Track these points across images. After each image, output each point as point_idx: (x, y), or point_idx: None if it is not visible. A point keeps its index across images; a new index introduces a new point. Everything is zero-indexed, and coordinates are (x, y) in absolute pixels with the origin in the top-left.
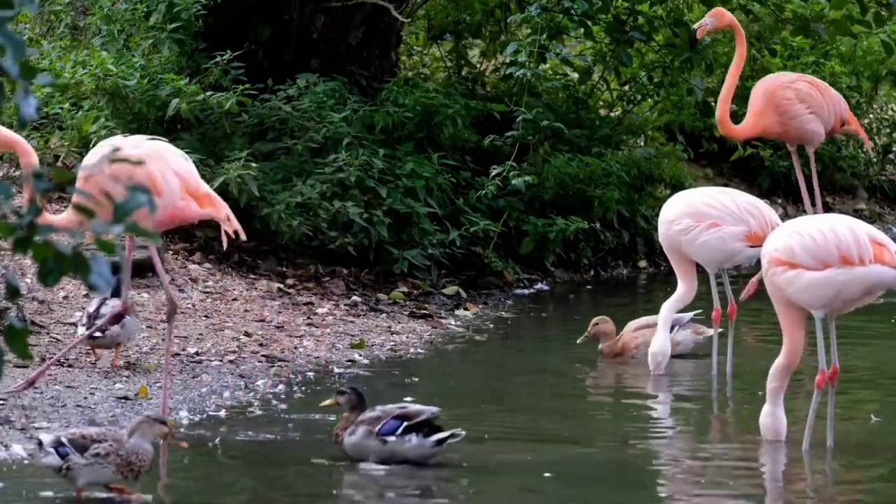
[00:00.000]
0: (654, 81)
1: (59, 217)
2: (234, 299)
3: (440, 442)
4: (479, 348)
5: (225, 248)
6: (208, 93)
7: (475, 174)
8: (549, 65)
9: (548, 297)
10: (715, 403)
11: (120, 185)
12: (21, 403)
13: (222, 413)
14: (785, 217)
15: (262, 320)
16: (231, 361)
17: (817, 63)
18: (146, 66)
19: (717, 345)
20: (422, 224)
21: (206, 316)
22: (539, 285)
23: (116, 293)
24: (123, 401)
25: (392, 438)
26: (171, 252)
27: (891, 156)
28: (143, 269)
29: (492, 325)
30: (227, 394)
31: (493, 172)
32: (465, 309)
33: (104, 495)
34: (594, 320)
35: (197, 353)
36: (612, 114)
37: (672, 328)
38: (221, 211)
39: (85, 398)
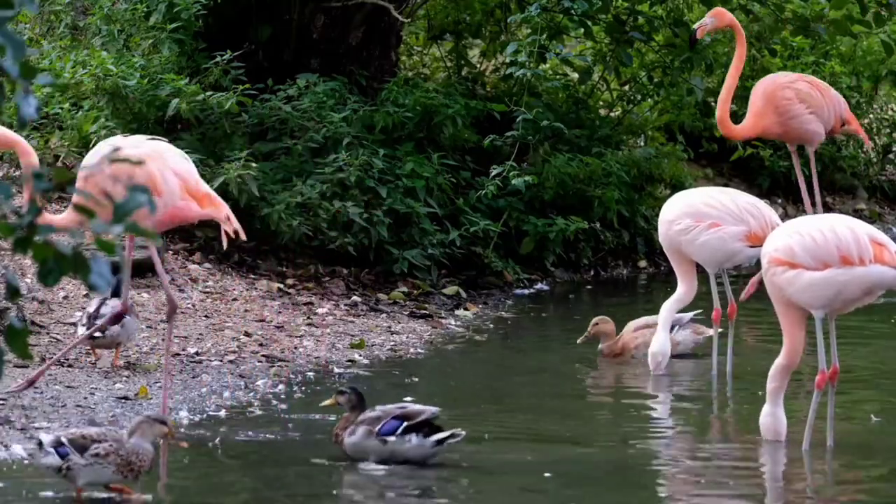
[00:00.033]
0: (654, 81)
1: (59, 217)
2: (234, 299)
3: (440, 442)
4: (479, 348)
5: (225, 248)
6: (208, 93)
7: (475, 174)
8: (549, 65)
9: (548, 297)
10: (715, 403)
11: (120, 185)
12: (21, 403)
13: (222, 413)
14: (785, 217)
15: (262, 320)
16: (231, 361)
17: (817, 63)
18: (146, 66)
19: (717, 345)
20: (422, 224)
21: (206, 316)
22: (539, 285)
23: (116, 293)
24: (123, 401)
25: (392, 438)
26: (171, 252)
27: (891, 156)
28: (143, 269)
29: (492, 325)
30: (227, 394)
31: (493, 172)
32: (465, 309)
33: (104, 495)
34: (594, 320)
35: (197, 353)
36: (612, 114)
37: (672, 328)
38: (221, 211)
39: (85, 398)
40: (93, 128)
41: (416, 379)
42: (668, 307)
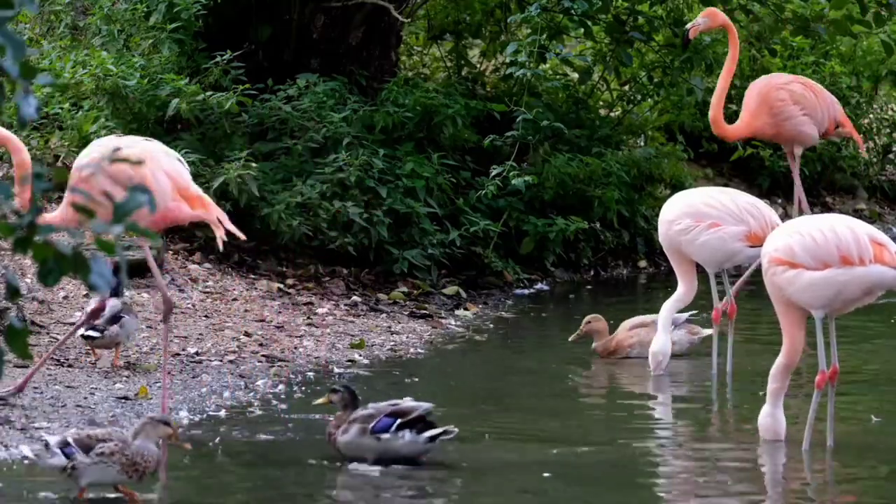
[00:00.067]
0: (654, 81)
1: (52, 215)
2: (234, 299)
3: (433, 438)
4: (479, 348)
5: (222, 249)
6: (208, 93)
7: (475, 174)
8: (549, 65)
9: (548, 297)
10: (715, 403)
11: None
12: (21, 403)
13: (222, 413)
14: (785, 217)
15: (262, 320)
16: (231, 361)
17: (817, 63)
18: (146, 66)
19: (717, 345)
20: (422, 224)
21: (206, 316)
22: (539, 285)
23: (115, 293)
24: (123, 401)
25: (386, 436)
26: (171, 252)
27: (891, 156)
28: (143, 269)
29: (492, 325)
30: (227, 394)
31: (493, 172)
32: (465, 309)
33: (105, 496)
34: (586, 318)
35: (197, 353)
36: (612, 114)
37: None
38: (212, 213)
39: (85, 398)
40: (93, 128)
41: (416, 379)
42: (669, 307)
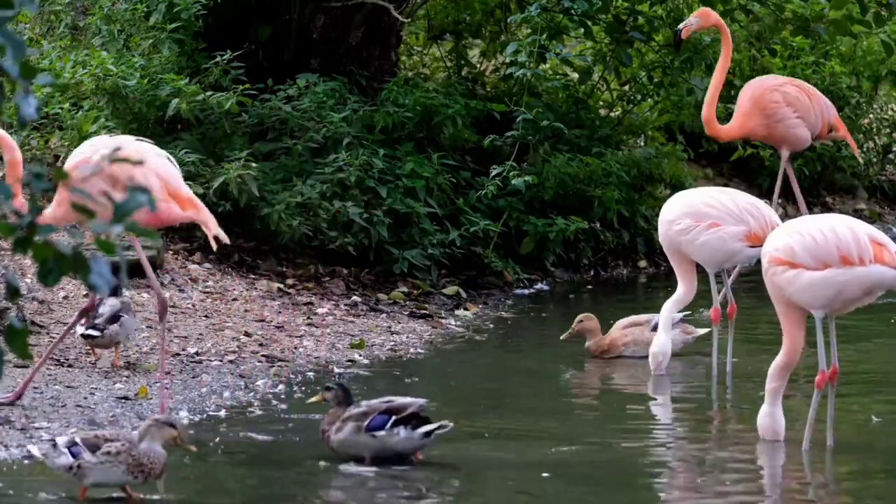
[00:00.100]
0: (654, 81)
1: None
2: (234, 299)
3: (428, 434)
4: (479, 348)
5: (214, 249)
6: (208, 93)
7: (475, 174)
8: (549, 65)
9: (548, 297)
10: (715, 403)
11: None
12: (21, 403)
13: (222, 413)
14: (785, 217)
15: (262, 320)
16: (231, 361)
17: (817, 63)
18: (146, 66)
19: (717, 345)
20: (422, 224)
21: (206, 316)
22: (539, 285)
23: (114, 293)
24: (123, 401)
25: (381, 433)
26: (171, 252)
27: (891, 156)
28: (142, 269)
29: (492, 325)
30: (227, 394)
31: (493, 172)
32: (465, 309)
33: (105, 496)
34: (578, 317)
35: (197, 353)
36: (612, 114)
37: None
38: (203, 214)
39: (85, 398)
40: (93, 128)
41: (416, 379)
42: (669, 307)
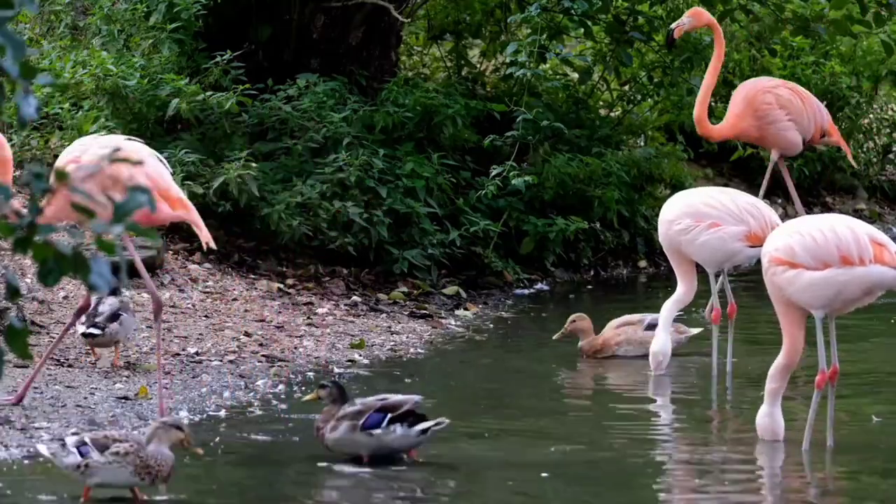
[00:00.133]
0: (654, 81)
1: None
2: (234, 299)
3: (425, 431)
4: (479, 348)
5: (205, 248)
6: (208, 93)
7: (475, 174)
8: (549, 65)
9: (548, 297)
10: (715, 403)
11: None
12: (21, 403)
13: (222, 413)
14: (785, 217)
15: (262, 320)
16: (231, 361)
17: (817, 63)
18: (146, 66)
19: (717, 345)
20: (422, 224)
21: (206, 316)
22: (539, 285)
23: (114, 291)
24: (123, 401)
25: (377, 431)
26: (171, 252)
27: (891, 156)
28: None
29: (492, 325)
30: (227, 394)
31: (493, 172)
32: (465, 309)
33: (108, 496)
34: (571, 317)
35: (197, 353)
36: (612, 114)
37: (654, 327)
38: (193, 214)
39: (85, 398)
40: (93, 128)
41: (416, 379)
42: (669, 308)
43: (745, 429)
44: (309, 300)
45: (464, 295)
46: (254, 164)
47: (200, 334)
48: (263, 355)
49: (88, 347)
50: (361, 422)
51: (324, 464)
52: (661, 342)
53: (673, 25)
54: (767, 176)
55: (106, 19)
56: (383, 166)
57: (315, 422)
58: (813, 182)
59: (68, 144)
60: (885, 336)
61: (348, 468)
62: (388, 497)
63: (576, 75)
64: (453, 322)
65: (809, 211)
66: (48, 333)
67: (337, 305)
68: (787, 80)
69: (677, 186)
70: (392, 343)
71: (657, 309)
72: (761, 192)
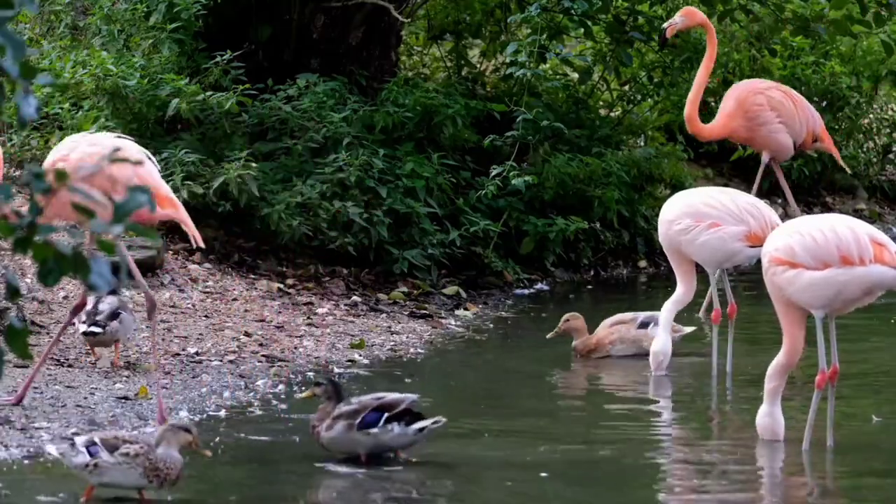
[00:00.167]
0: (654, 81)
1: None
2: (234, 299)
3: (422, 430)
4: (479, 348)
5: (194, 245)
6: (208, 93)
7: (475, 174)
8: (549, 65)
9: (548, 297)
10: (715, 403)
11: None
12: (21, 403)
13: (222, 413)
14: (785, 217)
15: (262, 320)
16: (231, 361)
17: (817, 63)
18: (146, 66)
19: (716, 345)
20: (422, 224)
21: (206, 316)
22: (539, 285)
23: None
24: (123, 401)
25: (375, 430)
26: (171, 252)
27: (891, 156)
28: (143, 269)
29: (492, 325)
30: (227, 394)
31: (493, 172)
32: (465, 309)
33: (109, 497)
34: (565, 316)
35: (197, 353)
36: (612, 114)
37: (648, 325)
38: (182, 213)
39: (85, 398)
40: (93, 128)
41: (416, 379)
42: (669, 308)
43: (744, 429)
44: (309, 300)
45: (464, 295)
46: (254, 164)
47: (200, 334)
48: (263, 355)
49: (88, 347)
50: (358, 421)
51: (323, 464)
52: (662, 342)
53: (665, 25)
54: (759, 177)
55: (106, 19)
56: (383, 166)
57: (311, 420)
58: (813, 182)
59: None
60: (885, 336)
61: (347, 468)
62: (387, 497)
63: (576, 75)
64: (453, 322)
65: (809, 211)
66: (48, 333)
67: (337, 305)
68: (780, 83)
69: (677, 186)
70: (392, 343)
71: (657, 309)
72: (752, 192)
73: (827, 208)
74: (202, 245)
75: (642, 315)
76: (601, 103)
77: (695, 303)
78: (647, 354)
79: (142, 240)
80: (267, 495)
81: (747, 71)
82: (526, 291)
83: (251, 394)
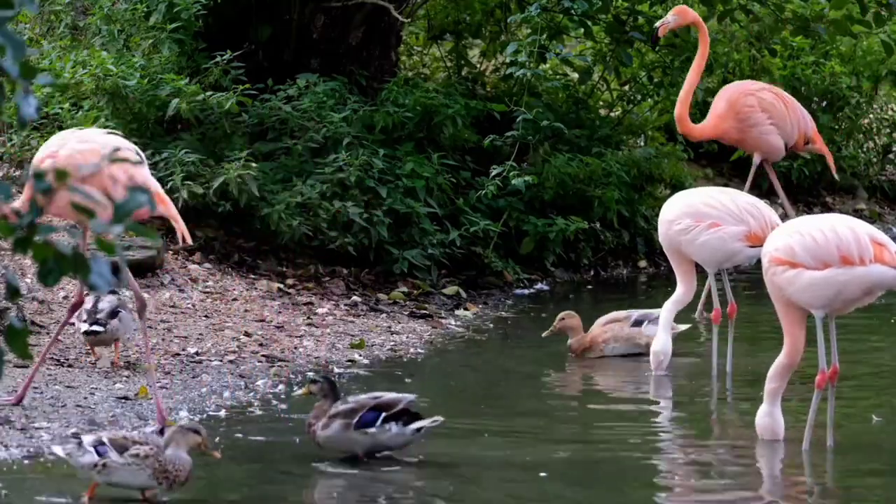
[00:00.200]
0: (654, 81)
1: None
2: (234, 299)
3: (420, 430)
4: (479, 348)
5: (180, 242)
6: (208, 93)
7: (475, 174)
8: (549, 65)
9: (548, 297)
10: (715, 403)
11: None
12: (21, 403)
13: (222, 413)
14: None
15: (262, 320)
16: (231, 361)
17: (817, 63)
18: (146, 66)
19: (717, 345)
20: (422, 224)
21: (206, 316)
22: (539, 285)
23: (111, 291)
24: (123, 401)
25: (372, 430)
26: (171, 252)
27: (891, 156)
28: (143, 269)
29: (492, 325)
30: (227, 394)
31: (493, 172)
32: (465, 309)
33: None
34: (560, 315)
35: (197, 353)
36: (612, 114)
37: (641, 323)
38: (171, 209)
39: (85, 398)
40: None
41: (416, 379)
42: (669, 308)
43: (745, 429)
44: (309, 300)
45: (464, 295)
46: (254, 164)
47: (200, 334)
48: (263, 355)
49: (88, 347)
50: (355, 420)
51: (323, 464)
52: (662, 342)
53: (658, 24)
54: (751, 177)
55: (106, 19)
56: (383, 166)
57: (307, 418)
58: (813, 182)
59: None
60: (886, 336)
61: (347, 468)
62: (387, 497)
63: (576, 75)
64: (453, 322)
65: (809, 211)
66: (48, 333)
67: (337, 305)
68: (773, 85)
69: (677, 186)
70: (392, 343)
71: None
72: (747, 188)
73: (827, 208)
74: (190, 242)
75: (636, 313)
76: (601, 103)
77: (695, 303)
78: (641, 353)
79: (142, 240)
80: (267, 495)
81: (747, 71)
82: (526, 291)
83: (251, 394)
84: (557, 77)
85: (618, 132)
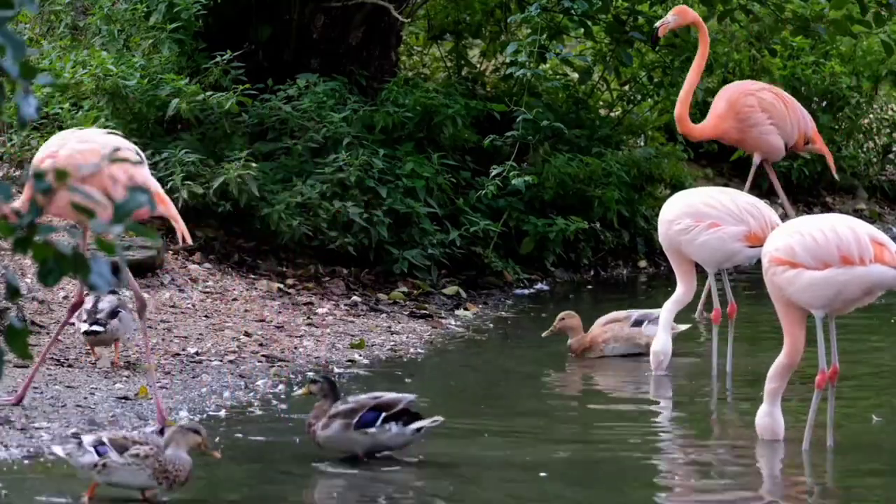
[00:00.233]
0: (654, 81)
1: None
2: (234, 299)
3: (420, 430)
4: (479, 348)
5: (180, 242)
6: (208, 93)
7: (475, 174)
8: (549, 65)
9: (548, 297)
10: (715, 403)
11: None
12: (21, 403)
13: (222, 413)
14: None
15: (262, 320)
16: (231, 361)
17: (817, 63)
18: (146, 66)
19: (716, 345)
20: (422, 224)
21: (206, 316)
22: (539, 285)
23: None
24: (123, 401)
25: (372, 430)
26: (171, 252)
27: (891, 156)
28: (143, 269)
29: (492, 325)
30: (227, 394)
31: (493, 172)
32: (465, 309)
33: (111, 497)
34: (560, 315)
35: (197, 353)
36: (612, 114)
37: (641, 323)
38: (171, 209)
39: (85, 398)
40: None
41: (416, 379)
42: (669, 308)
43: (745, 429)
44: (309, 300)
45: (464, 295)
46: (254, 164)
47: (200, 334)
48: (263, 355)
49: (88, 347)
50: (355, 420)
51: (323, 464)
52: (663, 342)
53: (657, 24)
54: (751, 177)
55: (106, 19)
56: (383, 166)
57: (307, 418)
58: (813, 182)
59: None
60: (886, 336)
61: (347, 469)
62: (387, 497)
63: (576, 75)
64: (453, 322)
65: (809, 211)
66: (48, 333)
67: (337, 305)
68: (773, 85)
69: (677, 186)
70: (392, 343)
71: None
72: (747, 187)
73: (827, 208)
74: (190, 242)
75: (636, 313)
76: (601, 103)
77: (695, 303)
78: (641, 353)
79: (142, 240)
80: (267, 495)
81: (747, 71)
82: (526, 291)
83: (251, 394)
84: (557, 77)
85: (618, 132)
